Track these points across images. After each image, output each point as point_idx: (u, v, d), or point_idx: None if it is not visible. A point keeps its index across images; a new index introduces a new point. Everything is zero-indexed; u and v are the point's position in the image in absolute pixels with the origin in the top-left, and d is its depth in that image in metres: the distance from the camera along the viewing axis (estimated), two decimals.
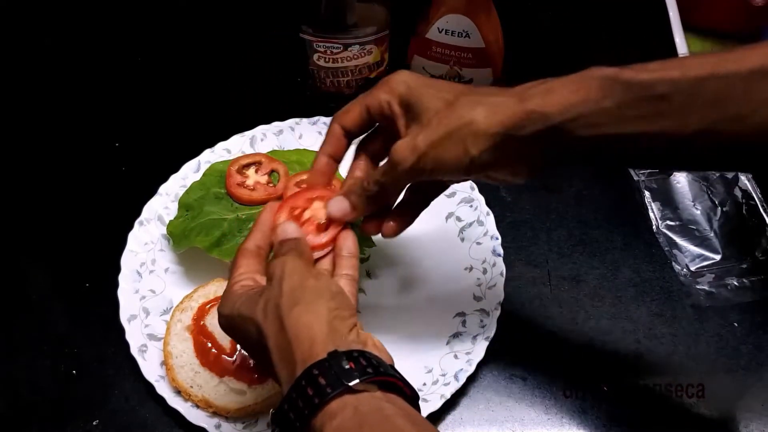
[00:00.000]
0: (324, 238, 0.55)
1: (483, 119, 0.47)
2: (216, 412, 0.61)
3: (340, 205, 0.54)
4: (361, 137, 0.57)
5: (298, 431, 0.42)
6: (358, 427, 0.40)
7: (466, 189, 0.75)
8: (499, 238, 0.71)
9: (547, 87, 0.46)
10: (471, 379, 0.63)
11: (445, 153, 0.48)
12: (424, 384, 0.63)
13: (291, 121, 0.80)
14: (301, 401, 0.42)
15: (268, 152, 0.76)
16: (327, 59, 0.78)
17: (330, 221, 0.55)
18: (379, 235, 0.68)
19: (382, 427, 0.41)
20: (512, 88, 0.48)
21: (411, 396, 0.44)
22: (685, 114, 0.43)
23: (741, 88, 0.42)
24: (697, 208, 0.76)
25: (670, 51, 0.88)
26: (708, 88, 0.43)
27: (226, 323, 0.51)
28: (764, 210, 0.75)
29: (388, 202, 0.55)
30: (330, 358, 0.43)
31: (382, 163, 0.53)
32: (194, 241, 0.67)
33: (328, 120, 0.80)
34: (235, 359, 0.62)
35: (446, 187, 0.58)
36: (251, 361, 0.62)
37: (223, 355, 0.63)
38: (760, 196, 0.76)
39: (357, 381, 0.42)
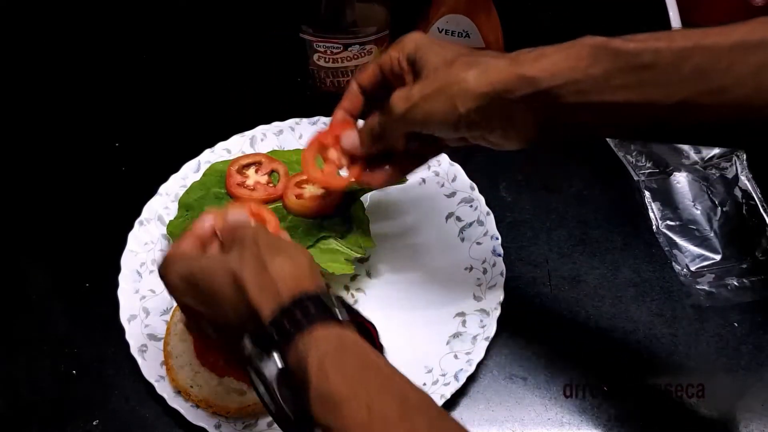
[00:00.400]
0: (342, 180, 0.61)
1: (474, 79, 0.48)
2: (216, 412, 0.61)
3: (351, 139, 0.58)
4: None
5: (279, 349, 0.43)
6: (341, 356, 0.42)
7: (466, 189, 0.75)
8: (499, 238, 0.71)
9: (539, 52, 0.47)
10: (471, 379, 0.63)
11: (435, 106, 0.50)
12: (424, 384, 0.62)
13: (291, 121, 0.80)
14: (288, 323, 0.43)
15: (268, 152, 0.76)
16: (327, 59, 0.78)
17: (349, 162, 0.60)
18: (378, 233, 0.68)
19: (363, 360, 0.43)
20: (509, 53, 0.49)
21: (380, 347, 0.48)
22: (669, 84, 0.44)
23: (724, 61, 0.42)
24: (697, 208, 0.76)
25: None
26: (692, 59, 0.43)
27: (181, 279, 0.50)
28: (764, 210, 0.75)
29: (389, 145, 0.57)
30: (320, 293, 0.45)
31: None
32: None
33: (328, 120, 0.80)
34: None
35: (443, 148, 0.59)
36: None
37: (223, 356, 0.63)
38: (760, 196, 0.76)
39: (346, 315, 0.45)
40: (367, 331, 0.47)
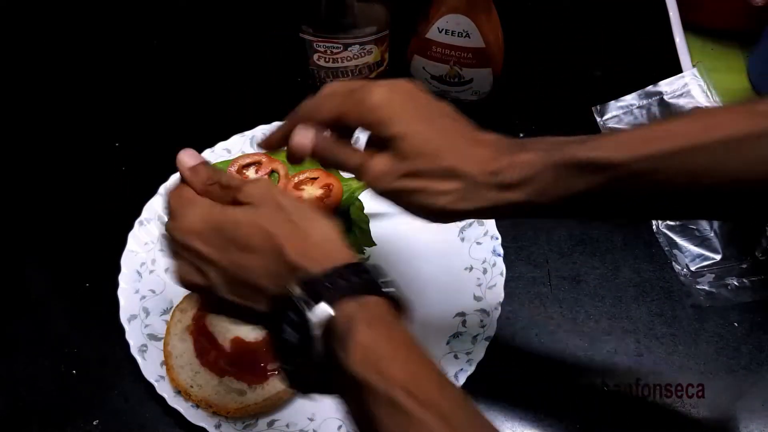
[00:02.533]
0: None
1: (465, 205, 0.47)
2: (216, 412, 0.61)
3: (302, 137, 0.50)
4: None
5: (331, 300, 0.40)
6: (390, 322, 0.41)
7: None
8: (499, 238, 0.71)
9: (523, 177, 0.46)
10: (471, 379, 0.63)
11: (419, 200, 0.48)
12: None
13: None
14: (343, 280, 0.41)
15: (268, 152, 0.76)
16: (327, 59, 0.78)
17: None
18: (378, 233, 0.68)
19: (408, 334, 0.41)
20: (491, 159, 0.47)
21: None
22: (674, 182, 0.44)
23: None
24: None
25: (671, 51, 0.88)
26: (694, 160, 0.43)
27: (203, 221, 0.46)
28: None
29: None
30: (372, 266, 0.43)
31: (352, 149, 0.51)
32: None
33: None
34: (235, 359, 0.62)
35: None
36: (251, 362, 0.62)
37: (222, 356, 0.63)
38: None
39: (393, 290, 0.42)
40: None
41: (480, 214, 0.48)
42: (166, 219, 0.50)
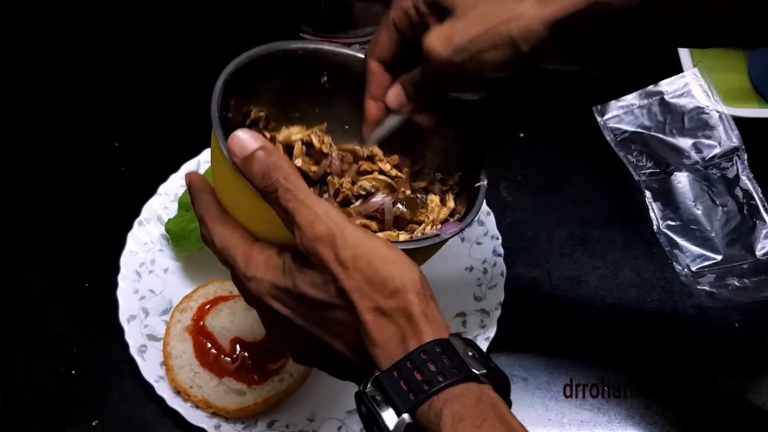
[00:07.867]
0: None
1: (533, 12, 0.42)
2: (215, 412, 0.61)
3: (396, 95, 0.50)
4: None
5: (408, 403, 0.37)
6: (481, 419, 0.37)
7: None
8: (500, 238, 0.71)
9: None
10: None
11: (486, 48, 0.44)
12: None
13: None
14: (419, 374, 0.38)
15: None
16: None
17: None
18: None
19: (502, 422, 0.38)
20: None
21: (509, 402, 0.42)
22: None
23: None
24: (698, 208, 0.75)
25: (671, 51, 0.88)
26: None
27: (279, 295, 0.42)
28: (765, 210, 0.75)
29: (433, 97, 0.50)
30: (454, 340, 0.40)
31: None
32: (196, 246, 0.67)
33: None
34: (235, 359, 0.62)
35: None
36: (251, 362, 0.62)
37: (222, 356, 0.63)
38: (761, 195, 0.75)
39: (484, 371, 0.39)
40: (498, 382, 0.40)
41: (566, 33, 0.43)
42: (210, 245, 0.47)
